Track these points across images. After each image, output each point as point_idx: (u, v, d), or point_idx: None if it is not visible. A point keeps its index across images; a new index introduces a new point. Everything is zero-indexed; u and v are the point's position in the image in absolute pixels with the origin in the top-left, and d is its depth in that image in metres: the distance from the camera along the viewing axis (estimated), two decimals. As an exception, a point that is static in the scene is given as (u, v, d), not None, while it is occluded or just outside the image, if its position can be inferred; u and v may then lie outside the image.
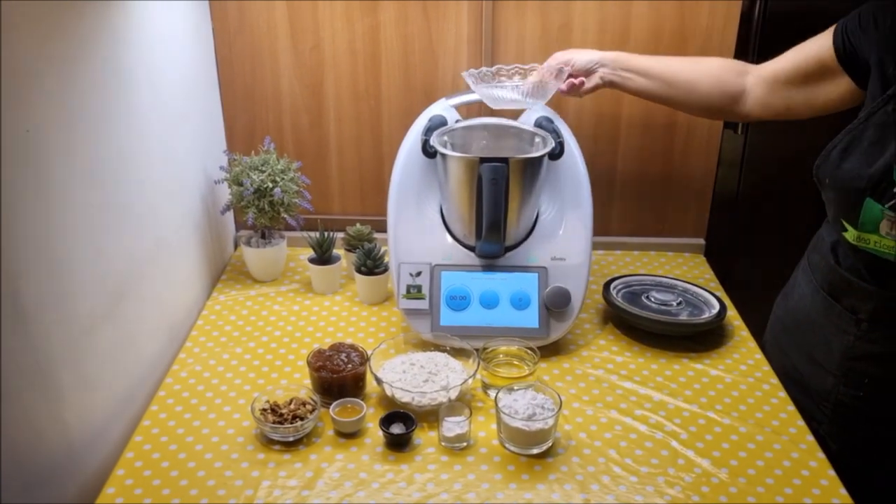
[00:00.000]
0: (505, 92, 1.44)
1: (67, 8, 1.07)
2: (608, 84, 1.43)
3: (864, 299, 1.21)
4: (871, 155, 1.14)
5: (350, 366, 1.27)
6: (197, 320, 1.53)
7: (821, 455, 1.19)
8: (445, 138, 1.43)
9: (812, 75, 1.27)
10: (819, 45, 1.25)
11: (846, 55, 1.21)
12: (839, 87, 1.24)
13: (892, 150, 1.11)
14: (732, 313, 1.57)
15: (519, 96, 1.44)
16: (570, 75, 1.43)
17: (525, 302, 1.40)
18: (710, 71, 1.39)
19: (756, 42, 1.70)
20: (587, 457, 1.18)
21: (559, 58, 1.44)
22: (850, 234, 1.19)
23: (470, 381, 1.28)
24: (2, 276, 0.93)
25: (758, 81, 1.35)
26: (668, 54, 1.65)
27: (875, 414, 1.25)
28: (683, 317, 1.48)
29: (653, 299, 1.52)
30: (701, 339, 1.47)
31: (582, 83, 1.43)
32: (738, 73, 1.38)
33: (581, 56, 1.43)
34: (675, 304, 1.51)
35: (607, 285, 1.57)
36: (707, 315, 1.48)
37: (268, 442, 1.20)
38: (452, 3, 1.62)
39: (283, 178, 1.58)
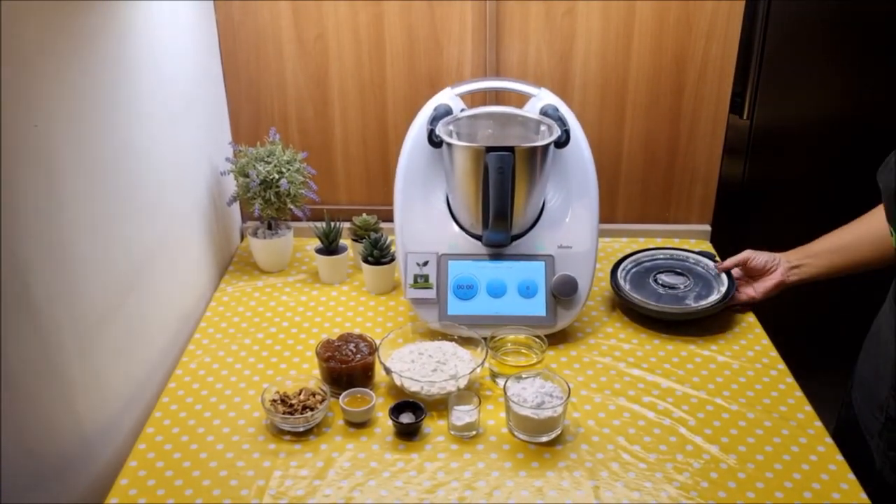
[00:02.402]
0: None
1: (73, 4, 1.07)
2: (791, 280, 1.43)
3: None
4: None
5: (359, 356, 1.28)
6: (205, 312, 1.54)
7: (828, 440, 1.19)
8: (451, 127, 1.43)
9: None
10: None
11: None
12: None
13: None
14: (739, 299, 1.57)
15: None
16: (750, 273, 1.48)
17: (532, 290, 1.41)
18: (869, 232, 1.32)
19: (762, 34, 1.70)
20: (596, 444, 1.19)
21: (740, 256, 1.49)
22: (893, 240, 1.16)
23: (478, 369, 1.28)
24: (12, 271, 0.93)
25: None
26: (673, 43, 1.64)
27: None
28: (690, 300, 1.49)
29: (661, 282, 1.53)
30: (708, 325, 1.47)
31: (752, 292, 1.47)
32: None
33: (759, 255, 1.46)
34: (682, 287, 1.51)
35: (616, 266, 1.57)
36: (716, 295, 1.48)
37: (278, 432, 1.21)
38: (456, -9, 1.62)
39: (288, 169, 1.58)
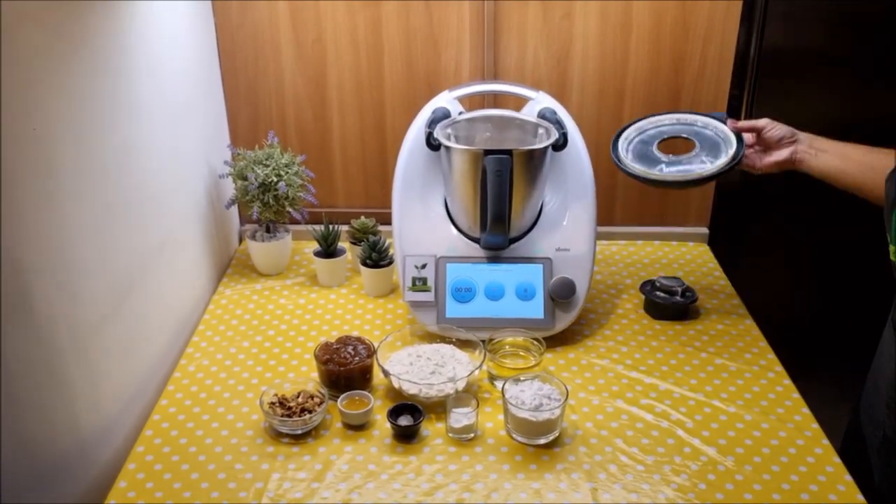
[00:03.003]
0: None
1: (71, 7, 1.07)
2: (797, 162, 1.32)
3: None
4: None
5: (357, 358, 1.28)
6: (203, 314, 1.54)
7: (826, 442, 1.20)
8: (449, 131, 1.43)
9: None
10: None
11: None
12: None
13: None
14: (737, 301, 1.57)
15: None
16: (763, 144, 1.35)
17: (530, 293, 1.41)
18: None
19: (759, 37, 1.70)
20: (594, 446, 1.19)
21: (758, 121, 1.35)
22: (892, 251, 1.12)
23: (476, 372, 1.28)
24: (12, 273, 0.94)
25: None
26: (670, 46, 1.65)
27: None
28: (695, 166, 1.38)
29: (664, 150, 1.41)
30: (707, 326, 1.48)
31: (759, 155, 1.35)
32: None
33: (779, 127, 1.34)
34: (686, 154, 1.40)
35: (618, 136, 1.45)
36: (724, 158, 1.36)
37: (277, 435, 1.21)
38: (454, -5, 1.62)
39: (287, 172, 1.58)
